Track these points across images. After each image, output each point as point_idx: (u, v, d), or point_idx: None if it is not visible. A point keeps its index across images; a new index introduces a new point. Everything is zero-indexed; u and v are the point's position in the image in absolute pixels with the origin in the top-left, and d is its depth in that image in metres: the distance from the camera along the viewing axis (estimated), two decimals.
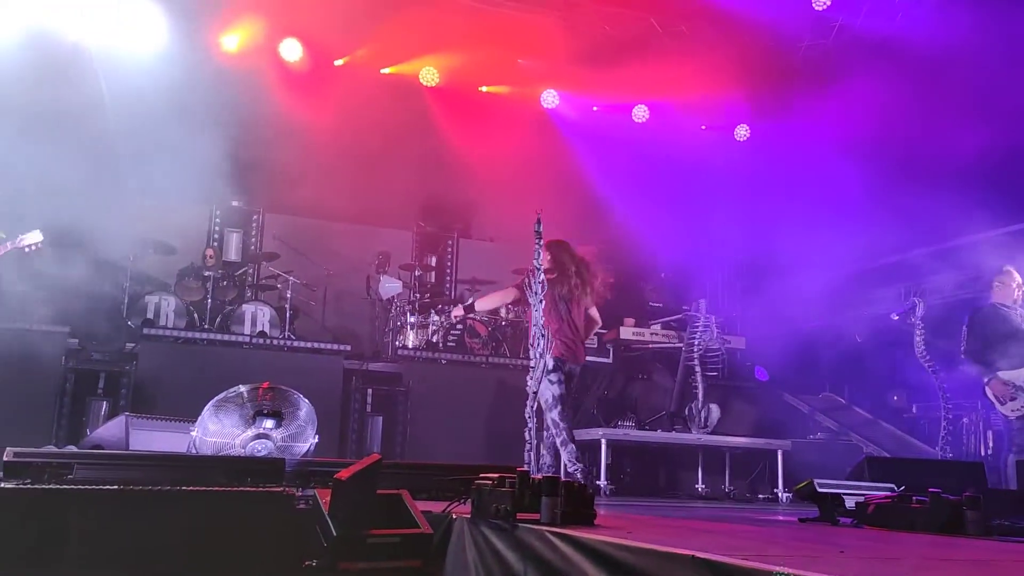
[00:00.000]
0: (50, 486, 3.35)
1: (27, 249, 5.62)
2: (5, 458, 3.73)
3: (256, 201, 10.21)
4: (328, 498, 2.84)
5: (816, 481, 4.21)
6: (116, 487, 2.76)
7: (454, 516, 3.61)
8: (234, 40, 9.22)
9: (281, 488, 2.96)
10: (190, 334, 8.16)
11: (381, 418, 8.30)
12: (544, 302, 5.51)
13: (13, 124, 7.40)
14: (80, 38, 8.59)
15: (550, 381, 6.32)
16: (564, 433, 6.36)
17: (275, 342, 8.38)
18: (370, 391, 8.35)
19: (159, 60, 8.72)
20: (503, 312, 9.44)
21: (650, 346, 8.61)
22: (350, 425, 8.16)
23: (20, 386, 7.06)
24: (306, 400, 4.65)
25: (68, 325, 7.64)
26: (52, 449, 4.18)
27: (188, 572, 2.78)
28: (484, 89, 9.99)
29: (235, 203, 10.12)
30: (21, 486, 2.79)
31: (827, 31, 9.65)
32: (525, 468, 3.61)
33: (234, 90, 9.17)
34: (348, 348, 8.45)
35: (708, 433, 7.95)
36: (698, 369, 8.11)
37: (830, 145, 9.01)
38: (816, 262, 8.74)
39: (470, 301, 7.43)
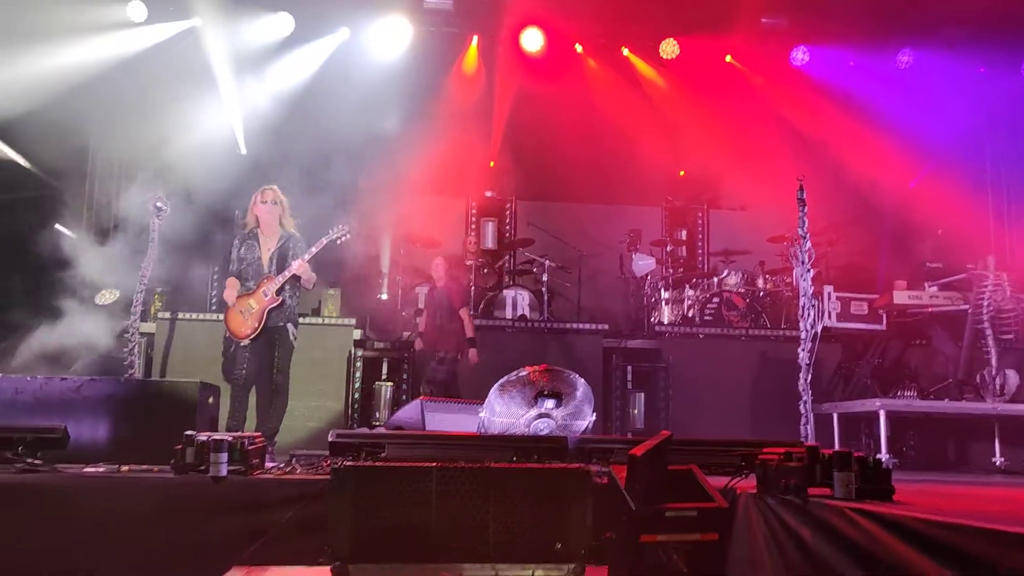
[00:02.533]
0: (367, 464, 3.73)
1: (338, 241, 6.22)
2: (330, 439, 4.26)
3: (508, 190, 10.66)
4: (624, 474, 2.97)
5: None
6: (435, 464, 3.05)
7: (738, 491, 3.62)
8: (476, 39, 9.67)
9: (579, 465, 3.13)
10: None
11: (643, 394, 8.40)
12: None
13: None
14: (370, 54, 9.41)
15: None
16: None
17: (535, 325, 8.73)
18: (630, 368, 8.47)
19: (409, 63, 9.37)
20: (760, 282, 9.19)
21: (928, 310, 7.98)
22: (613, 402, 8.34)
23: (319, 373, 7.94)
24: (582, 380, 4.83)
25: (354, 317, 8.47)
26: (366, 431, 4.69)
27: (504, 543, 3.03)
28: (728, 59, 9.70)
29: (488, 193, 10.63)
30: (347, 464, 3.16)
31: None
32: (812, 443, 3.54)
33: (479, 85, 9.67)
34: (606, 327, 8.60)
35: (1006, 402, 7.26)
36: (989, 332, 7.41)
37: None
38: None
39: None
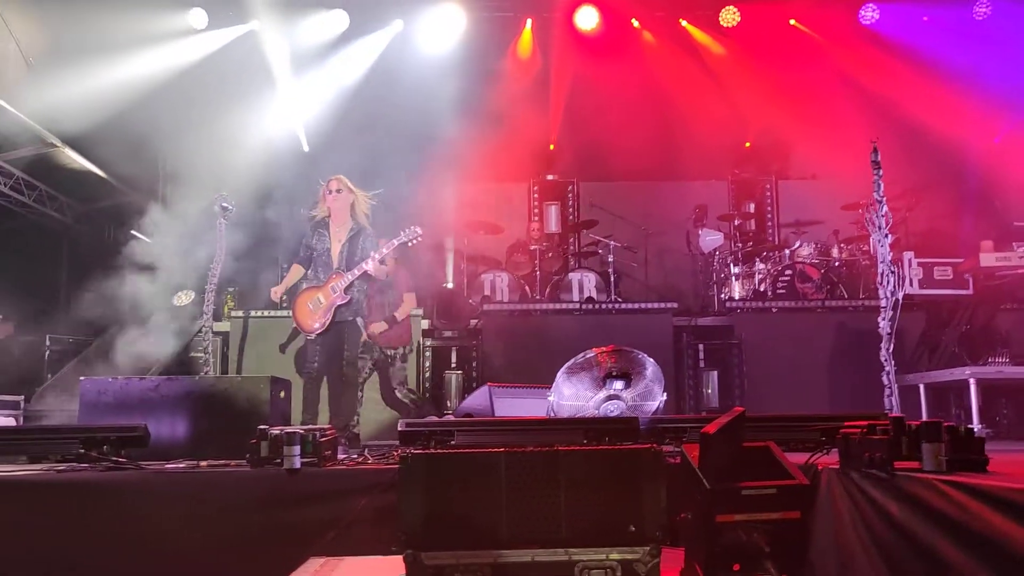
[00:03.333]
0: (439, 451, 3.72)
1: (410, 243, 6.24)
2: (400, 428, 4.27)
3: (569, 172, 10.56)
4: (696, 453, 2.89)
5: None
6: (503, 449, 3.02)
7: (820, 467, 3.49)
8: (531, 21, 9.58)
9: (650, 444, 3.05)
10: (524, 306, 8.65)
11: (716, 372, 8.22)
12: None
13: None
14: (399, 55, 9.44)
15: None
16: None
17: (603, 306, 8.61)
18: (701, 346, 8.28)
19: (463, 51, 9.34)
20: (835, 252, 8.90)
21: (1019, 271, 7.59)
22: (685, 381, 8.19)
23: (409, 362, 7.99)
24: (651, 360, 4.74)
25: (421, 307, 8.51)
26: (434, 419, 4.69)
27: (576, 527, 2.97)
28: (792, 23, 9.39)
29: (550, 177, 10.55)
30: (415, 452, 3.15)
31: None
32: (897, 414, 3.38)
33: (535, 68, 9.58)
34: (675, 305, 8.43)
35: None
36: None
37: None
38: None
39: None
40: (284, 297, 6.40)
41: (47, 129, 8.65)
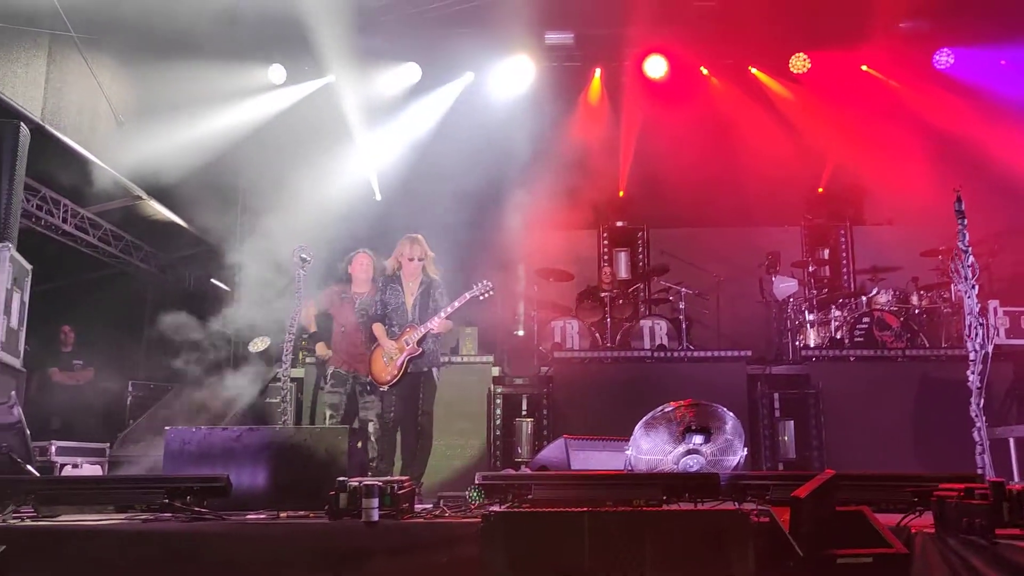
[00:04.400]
0: (518, 510, 3.68)
1: (481, 297, 6.31)
2: (476, 481, 4.25)
3: (639, 219, 10.54)
4: (786, 516, 2.80)
5: None
6: (585, 509, 2.97)
7: (913, 530, 3.35)
8: (599, 71, 9.67)
9: (736, 506, 2.98)
10: (595, 353, 8.57)
11: (792, 422, 8.01)
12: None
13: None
14: (470, 106, 9.61)
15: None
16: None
17: (675, 354, 8.50)
18: (777, 395, 8.08)
19: (533, 100, 9.46)
20: (915, 299, 8.64)
21: None
22: (760, 430, 8.00)
23: (460, 412, 8.00)
24: (731, 414, 4.65)
25: (491, 355, 8.51)
26: (511, 473, 4.66)
27: None
28: (864, 68, 9.28)
29: (620, 223, 10.54)
30: (497, 511, 3.13)
31: None
32: (996, 478, 3.24)
33: (605, 116, 9.64)
34: (749, 353, 8.27)
35: None
36: None
37: None
38: None
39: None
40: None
41: (133, 182, 9.01)
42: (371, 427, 6.64)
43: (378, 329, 6.47)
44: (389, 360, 6.31)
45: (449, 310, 6.26)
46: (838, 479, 2.98)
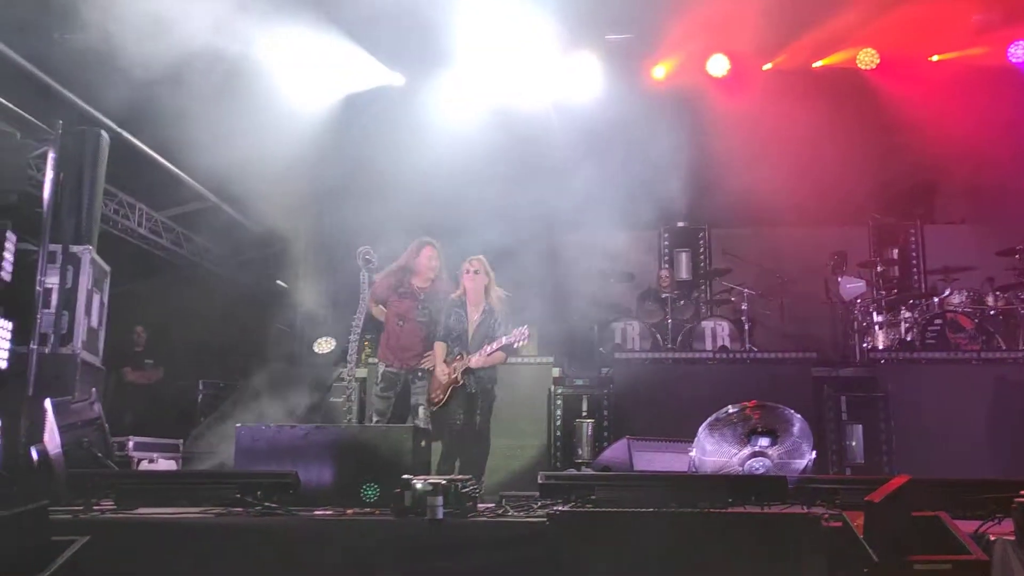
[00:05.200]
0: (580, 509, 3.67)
1: (515, 345, 6.39)
2: (540, 481, 4.25)
3: (701, 218, 10.42)
4: (860, 521, 2.73)
5: None
6: (651, 510, 2.95)
7: (992, 537, 3.24)
8: (662, 70, 9.58)
9: (806, 509, 2.92)
10: (656, 354, 8.54)
11: (860, 426, 7.81)
12: None
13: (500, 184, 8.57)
14: (536, 104, 9.59)
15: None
16: None
17: (738, 355, 8.38)
18: (843, 398, 7.89)
19: (599, 104, 9.41)
20: (990, 300, 8.36)
21: None
22: (827, 434, 7.82)
23: (520, 413, 7.99)
24: (798, 416, 4.56)
25: (551, 356, 8.50)
26: (574, 473, 4.65)
27: None
28: (935, 58, 9.00)
29: (680, 224, 10.44)
30: (563, 511, 3.12)
31: None
32: None
33: (667, 116, 9.54)
34: (814, 355, 8.11)
35: None
36: None
37: None
38: None
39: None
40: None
41: (203, 186, 9.26)
42: (421, 411, 6.65)
43: (439, 349, 6.56)
44: (438, 383, 6.47)
45: (488, 349, 6.35)
46: (913, 484, 2.90)
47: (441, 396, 6.40)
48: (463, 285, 6.58)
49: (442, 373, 6.42)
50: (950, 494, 3.70)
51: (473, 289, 6.54)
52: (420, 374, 6.73)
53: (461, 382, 6.34)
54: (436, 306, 6.72)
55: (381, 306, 6.92)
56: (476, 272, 6.52)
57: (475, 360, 6.30)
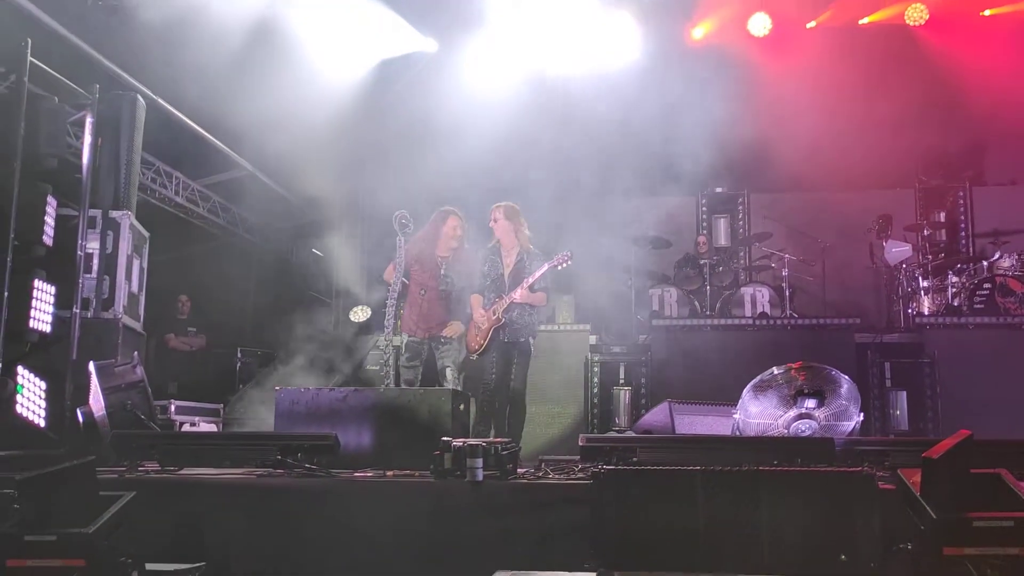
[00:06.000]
0: (622, 467, 3.63)
1: (559, 267, 6.23)
2: (581, 443, 4.22)
3: (740, 183, 10.24)
4: (917, 479, 2.65)
5: None
6: (699, 468, 2.89)
7: None
8: (701, 30, 9.38)
9: (860, 468, 2.84)
10: (694, 321, 8.43)
11: (904, 393, 7.67)
12: None
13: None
14: (572, 67, 9.45)
15: None
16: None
17: (778, 322, 8.26)
18: (888, 365, 7.75)
19: (636, 66, 9.24)
20: None
21: None
22: (871, 401, 7.69)
23: (557, 380, 7.96)
24: (846, 377, 4.48)
25: (588, 323, 8.43)
26: (615, 435, 4.60)
27: (780, 553, 2.80)
28: (987, 13, 8.68)
29: (719, 189, 10.28)
30: (608, 468, 3.07)
31: None
32: None
33: (706, 78, 9.34)
34: (858, 321, 7.99)
35: None
36: None
37: None
38: None
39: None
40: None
41: (240, 155, 9.26)
42: (448, 373, 6.62)
43: (475, 300, 6.51)
44: (478, 330, 6.36)
45: (530, 280, 6.22)
46: (972, 441, 2.81)
47: (481, 342, 6.29)
48: (495, 235, 6.53)
49: (481, 318, 6.33)
50: (1011, 454, 3.59)
51: (502, 235, 6.48)
52: (443, 339, 6.71)
53: (502, 320, 6.22)
54: (458, 275, 6.69)
55: (404, 279, 6.86)
56: (507, 219, 6.46)
57: (518, 294, 6.20)
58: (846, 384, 4.46)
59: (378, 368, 8.09)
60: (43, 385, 5.14)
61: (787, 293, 8.70)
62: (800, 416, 4.37)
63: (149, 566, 3.39)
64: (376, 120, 9.19)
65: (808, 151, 8.75)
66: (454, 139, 8.80)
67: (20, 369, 4.99)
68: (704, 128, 9.08)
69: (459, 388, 6.48)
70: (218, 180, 9.73)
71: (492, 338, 6.28)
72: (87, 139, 6.04)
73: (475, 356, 6.41)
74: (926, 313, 8.21)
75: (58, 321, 5.38)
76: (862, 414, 4.55)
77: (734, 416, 4.60)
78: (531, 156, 8.82)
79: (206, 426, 7.50)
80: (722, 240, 9.97)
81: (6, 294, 4.96)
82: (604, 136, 9.02)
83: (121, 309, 6.24)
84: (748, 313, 8.71)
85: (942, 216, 9.52)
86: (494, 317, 6.27)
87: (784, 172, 9.42)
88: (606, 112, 9.00)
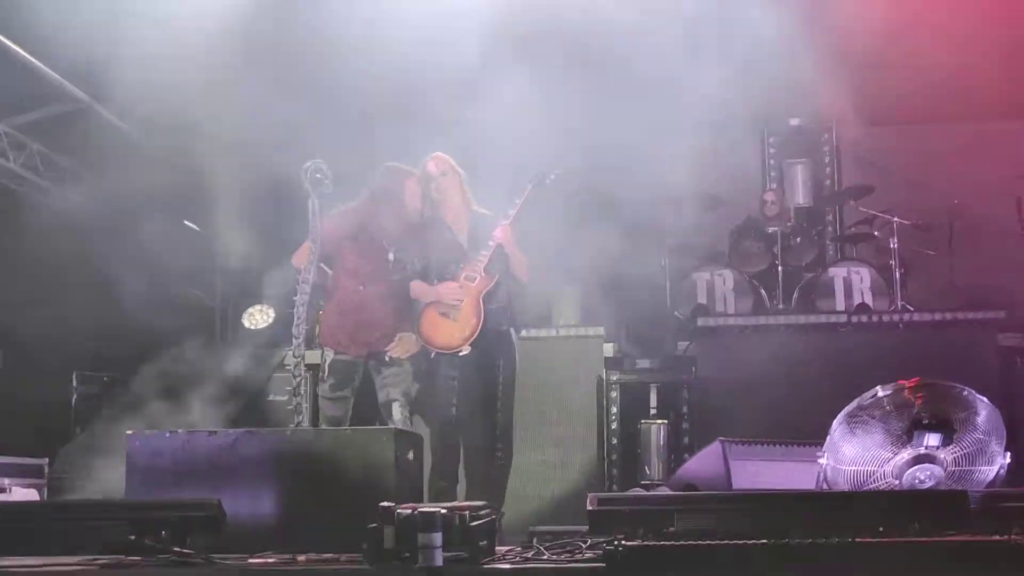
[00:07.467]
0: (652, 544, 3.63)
1: (547, 181, 6.55)
2: (590, 506, 4.20)
3: (824, 113, 10.32)
4: None
5: None
6: (762, 541, 2.89)
7: None
8: None
9: (1008, 535, 2.87)
10: (760, 319, 8.62)
11: None
12: None
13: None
14: None
15: None
16: None
17: (885, 318, 8.40)
18: None
19: None
20: None
21: None
22: (1021, 429, 7.81)
23: (556, 411, 7.99)
24: (984, 399, 4.50)
25: (601, 326, 8.44)
26: (641, 493, 4.61)
27: None
28: None
29: (794, 122, 10.38)
30: (626, 544, 3.07)
31: None
32: None
33: None
34: (1002, 314, 8.18)
35: None
36: None
37: None
38: None
39: None
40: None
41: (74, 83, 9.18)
42: (396, 409, 6.59)
43: (418, 287, 6.59)
44: (452, 310, 6.36)
45: (512, 213, 6.45)
46: None
47: (475, 322, 6.34)
48: (434, 194, 6.70)
49: (451, 292, 6.42)
50: None
51: (451, 193, 6.70)
52: (388, 359, 6.68)
53: (495, 277, 6.39)
54: (415, 260, 6.72)
55: (323, 265, 6.80)
56: (443, 174, 6.65)
57: (500, 232, 6.40)
58: (984, 410, 4.50)
59: (285, 399, 8.10)
60: None
61: (897, 274, 8.89)
62: (918, 459, 4.42)
63: None
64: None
65: (923, 66, 8.81)
66: (397, 66, 8.78)
67: None
68: (771, 33, 9.12)
69: (409, 428, 6.46)
70: (38, 118, 9.66)
71: (484, 318, 6.34)
72: None
73: (464, 351, 6.39)
74: None
75: None
76: (1008, 454, 4.60)
77: (819, 461, 4.64)
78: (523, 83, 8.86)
79: (22, 492, 7.46)
80: (800, 198, 10.13)
81: None
82: (621, 46, 9.05)
83: None
84: (840, 306, 8.92)
85: None
86: (479, 277, 6.35)
87: (888, 98, 9.56)
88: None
